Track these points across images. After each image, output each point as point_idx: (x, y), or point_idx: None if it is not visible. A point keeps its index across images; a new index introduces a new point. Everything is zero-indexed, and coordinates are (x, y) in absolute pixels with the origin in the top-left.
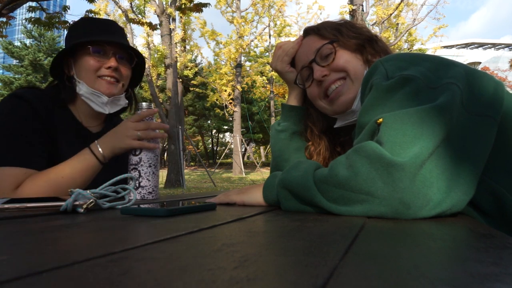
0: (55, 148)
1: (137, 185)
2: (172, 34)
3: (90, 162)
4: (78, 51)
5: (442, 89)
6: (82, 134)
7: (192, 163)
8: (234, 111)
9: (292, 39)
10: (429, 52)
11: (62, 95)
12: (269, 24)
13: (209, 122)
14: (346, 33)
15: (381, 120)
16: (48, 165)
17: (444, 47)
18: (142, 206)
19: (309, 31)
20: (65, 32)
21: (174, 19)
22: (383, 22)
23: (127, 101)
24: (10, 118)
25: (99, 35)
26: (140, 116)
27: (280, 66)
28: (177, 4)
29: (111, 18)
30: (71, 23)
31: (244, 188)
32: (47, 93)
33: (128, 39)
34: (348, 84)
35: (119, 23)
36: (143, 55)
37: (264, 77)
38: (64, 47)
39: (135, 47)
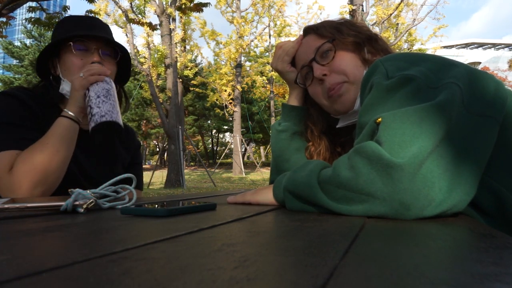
0: None
1: (90, 117)
2: (172, 34)
3: (63, 122)
4: (61, 50)
5: (442, 88)
6: None
7: (192, 163)
8: (234, 111)
9: (292, 39)
10: (429, 52)
11: (51, 94)
12: (269, 24)
13: (209, 122)
14: (346, 32)
15: (380, 119)
16: None
17: (444, 47)
18: (142, 206)
19: (308, 31)
20: None
21: (174, 19)
22: (383, 22)
23: None
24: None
25: (81, 31)
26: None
27: (281, 66)
28: (177, 4)
29: (111, 18)
30: None
31: (259, 188)
32: (36, 92)
33: (128, 39)
34: (347, 85)
35: (119, 23)
36: (143, 55)
37: (264, 77)
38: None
39: (134, 47)
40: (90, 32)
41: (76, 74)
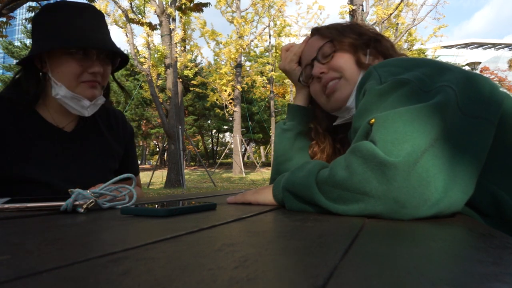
0: (27, 156)
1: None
2: (172, 34)
3: None
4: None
5: (436, 91)
6: (56, 136)
7: (192, 163)
8: (234, 111)
9: (292, 39)
10: (429, 52)
11: (28, 96)
12: (269, 24)
13: (209, 122)
14: (347, 34)
15: (373, 120)
16: (20, 172)
17: (444, 47)
18: (142, 206)
19: (313, 32)
20: None
21: (174, 19)
22: (383, 22)
23: (104, 99)
24: None
25: (81, 31)
26: None
27: (288, 66)
28: (177, 4)
29: (111, 18)
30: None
31: (259, 188)
32: (7, 97)
33: (128, 39)
34: (342, 82)
35: (119, 23)
36: (143, 55)
37: (264, 77)
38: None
39: (134, 47)
40: (91, 34)
41: (74, 81)
